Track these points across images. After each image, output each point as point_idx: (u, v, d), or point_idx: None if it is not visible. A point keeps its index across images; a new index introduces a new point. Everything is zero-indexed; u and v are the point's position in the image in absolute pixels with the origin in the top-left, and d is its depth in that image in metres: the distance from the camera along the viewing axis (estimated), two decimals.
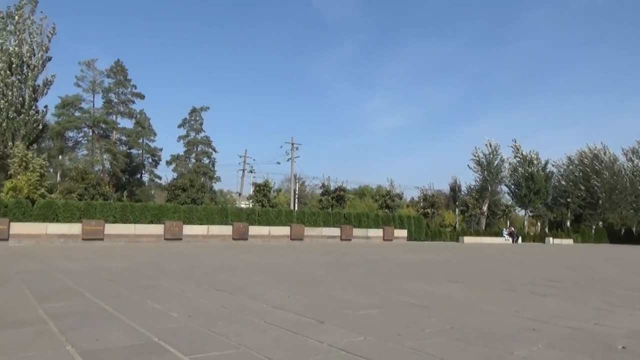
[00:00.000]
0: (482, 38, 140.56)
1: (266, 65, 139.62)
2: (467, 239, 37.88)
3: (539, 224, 60.43)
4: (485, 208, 53.15)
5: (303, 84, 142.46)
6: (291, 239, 27.67)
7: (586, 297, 7.40)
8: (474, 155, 54.00)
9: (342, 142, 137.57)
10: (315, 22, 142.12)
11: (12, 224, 20.03)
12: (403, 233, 33.59)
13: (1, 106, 33.48)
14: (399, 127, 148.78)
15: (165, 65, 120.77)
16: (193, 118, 52.25)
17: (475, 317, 5.39)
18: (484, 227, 51.15)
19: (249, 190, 75.04)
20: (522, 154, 55.64)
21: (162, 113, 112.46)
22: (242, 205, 66.81)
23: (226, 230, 25.88)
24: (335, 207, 36.13)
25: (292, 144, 62.14)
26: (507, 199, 60.37)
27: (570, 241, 46.96)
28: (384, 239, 31.77)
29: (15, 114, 34.05)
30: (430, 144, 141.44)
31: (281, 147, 61.45)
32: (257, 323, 4.82)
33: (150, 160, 53.76)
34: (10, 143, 33.32)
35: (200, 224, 26.03)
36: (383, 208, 39.64)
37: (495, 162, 54.83)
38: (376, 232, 31.82)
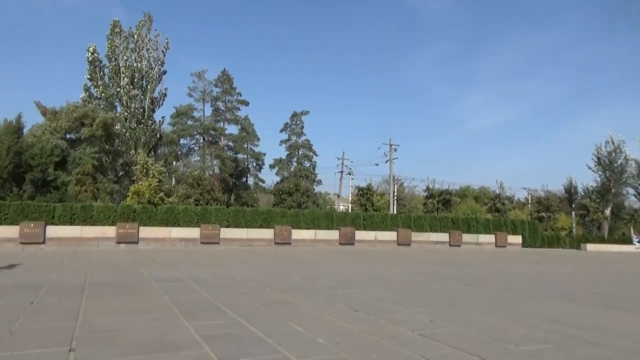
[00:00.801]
0: (590, 27, 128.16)
1: (361, 66, 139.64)
2: (590, 247, 34.41)
3: None
4: (607, 212, 48.09)
5: (398, 83, 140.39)
6: (398, 244, 27.01)
7: None
8: (595, 154, 49.08)
9: (440, 141, 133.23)
10: (409, 20, 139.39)
11: (140, 228, 21.68)
12: (517, 239, 31.35)
13: (127, 117, 36.96)
14: (499, 124, 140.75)
15: (265, 71, 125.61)
16: (294, 122, 53.51)
17: None
18: (606, 233, 46.37)
19: (348, 192, 75.50)
20: None
21: (265, 118, 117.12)
22: (341, 207, 67.31)
23: (333, 235, 25.91)
24: (441, 210, 34.74)
25: (390, 145, 61.12)
26: (632, 200, 54.07)
27: None
28: (496, 245, 29.89)
29: (136, 124, 37.34)
30: (535, 142, 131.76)
31: (379, 148, 61.02)
32: (414, 358, 4.40)
33: (254, 164, 55.87)
34: (132, 151, 36.60)
35: (307, 229, 26.35)
36: (492, 212, 37.39)
37: (619, 161, 49.40)
38: (487, 238, 30.03)
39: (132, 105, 37.30)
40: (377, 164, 66.62)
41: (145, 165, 28.81)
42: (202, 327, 5.45)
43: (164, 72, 39.86)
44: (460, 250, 27.25)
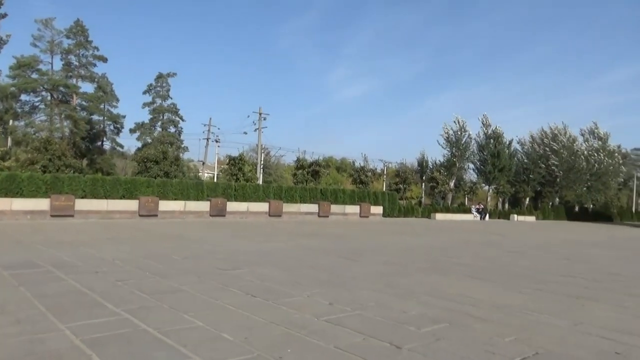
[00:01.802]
0: (447, 12, 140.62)
1: (232, 33, 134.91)
2: (439, 216, 38.37)
3: (500, 199, 62.04)
4: (452, 184, 53.97)
5: (268, 52, 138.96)
6: (269, 215, 27.04)
7: None
8: (444, 132, 54.44)
9: (305, 112, 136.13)
10: None
11: None
12: (378, 209, 33.57)
13: None
14: (360, 98, 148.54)
15: (129, 29, 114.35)
16: (159, 84, 49.82)
17: (550, 333, 5.03)
18: (450, 203, 52.14)
19: (214, 160, 73.44)
20: (492, 130, 56.41)
21: (126, 79, 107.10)
22: (206, 175, 65.26)
23: (203, 206, 24.93)
24: (310, 181, 35.57)
25: (260, 114, 60.62)
26: (471, 174, 61.51)
27: (532, 218, 48.56)
28: (360, 216, 31.65)
29: None
30: (391, 117, 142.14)
31: (248, 116, 59.47)
32: (329, 350, 4.26)
33: (112, 127, 51.13)
34: None
35: (175, 199, 24.96)
36: (357, 183, 39.40)
37: (464, 139, 55.58)
38: (353, 209, 31.62)
39: None
40: (245, 133, 65.68)
41: None
42: (82, 328, 4.65)
43: (3, 15, 33.85)
44: (329, 220, 28.28)
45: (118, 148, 51.87)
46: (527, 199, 61.25)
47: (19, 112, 41.68)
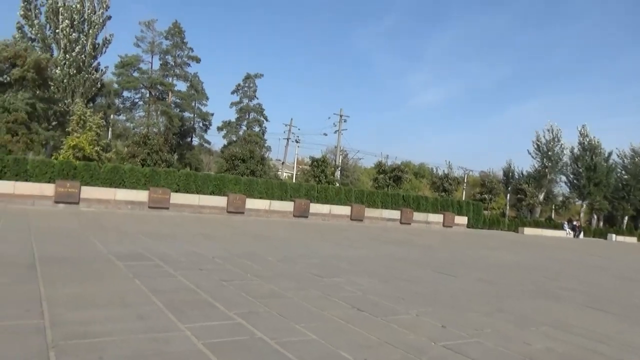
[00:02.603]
0: (536, 14, 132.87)
1: (314, 35, 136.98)
2: (527, 230, 36.16)
3: (595, 217, 57.42)
4: (541, 197, 50.80)
5: (349, 54, 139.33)
6: (351, 219, 26.85)
7: None
8: (535, 140, 51.42)
9: (382, 115, 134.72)
10: None
11: (82, 187, 19.91)
12: (462, 220, 32.24)
13: (65, 62, 33.65)
14: (439, 103, 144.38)
15: (219, 29, 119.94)
16: (247, 85, 51.51)
17: None
18: (537, 216, 49.11)
19: (293, 160, 74.46)
20: (588, 141, 52.38)
21: (214, 78, 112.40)
22: (284, 175, 66.51)
23: (287, 206, 25.25)
24: (391, 187, 34.97)
25: (341, 116, 60.71)
26: (562, 187, 57.48)
27: (634, 239, 44.41)
28: (443, 225, 30.57)
29: (75, 71, 34.16)
30: (472, 124, 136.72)
31: (329, 118, 60.61)
32: None
33: (201, 124, 53.62)
34: (69, 100, 33.58)
35: (260, 198, 25.51)
36: (439, 191, 38.21)
37: (556, 149, 52.11)
38: (436, 218, 30.62)
39: (72, 51, 34.00)
40: (325, 134, 66.30)
41: (82, 117, 26.42)
42: (201, 331, 4.68)
43: (109, 17, 36.53)
44: (412, 228, 27.58)
45: (205, 144, 54.26)
46: (626, 218, 56.31)
47: (120, 108, 44.84)
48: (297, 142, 59.88)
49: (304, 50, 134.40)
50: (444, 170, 39.69)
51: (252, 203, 24.22)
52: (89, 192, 20.09)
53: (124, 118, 45.34)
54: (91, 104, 35.02)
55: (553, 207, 54.64)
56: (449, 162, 40.71)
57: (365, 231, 21.92)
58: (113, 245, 9.81)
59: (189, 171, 25.64)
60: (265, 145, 51.71)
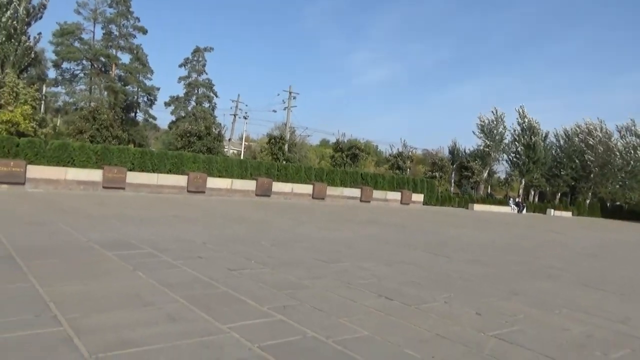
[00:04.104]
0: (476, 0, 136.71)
1: (262, 12, 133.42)
2: (477, 207, 37.54)
3: (532, 193, 60.69)
4: (485, 174, 52.90)
5: (298, 31, 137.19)
6: (313, 197, 26.59)
7: None
8: (480, 121, 53.28)
9: (326, 93, 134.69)
10: None
11: (28, 166, 18.24)
12: (419, 197, 32.88)
13: None
14: (381, 83, 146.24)
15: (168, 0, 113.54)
16: (196, 58, 49.25)
17: None
18: (481, 193, 51.11)
19: (237, 136, 72.46)
20: (527, 121, 54.94)
21: (162, 52, 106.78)
22: (231, 152, 64.87)
23: (249, 185, 24.55)
24: (348, 165, 34.99)
25: (290, 92, 59.79)
26: (504, 166, 60.14)
27: (569, 214, 47.39)
28: (401, 202, 31.01)
29: (5, 39, 31.05)
30: (413, 104, 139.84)
31: (278, 95, 58.93)
32: None
33: (145, 99, 50.96)
34: None
35: (220, 177, 24.61)
36: (394, 169, 38.72)
37: (499, 129, 54.32)
38: (394, 195, 30.99)
39: (1, 15, 30.76)
40: (275, 111, 64.33)
41: (15, 89, 24.17)
42: (246, 331, 4.23)
43: None
44: (372, 206, 27.75)
45: (151, 120, 51.73)
46: (559, 194, 59.88)
47: (59, 80, 41.61)
48: (245, 118, 57.96)
49: (254, 27, 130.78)
50: (398, 149, 40.16)
51: (213, 182, 23.31)
52: (36, 171, 18.44)
53: (63, 91, 42.05)
54: (25, 75, 32.15)
55: (498, 184, 57.14)
56: (404, 140, 41.27)
57: (331, 210, 21.75)
58: (88, 232, 8.93)
59: (144, 149, 24.28)
60: (216, 122, 49.98)
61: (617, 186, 61.63)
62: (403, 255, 9.87)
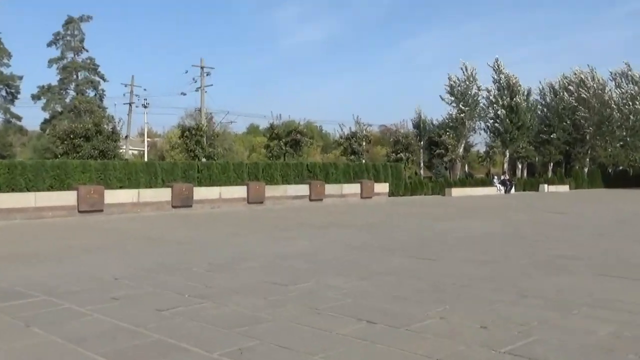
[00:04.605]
0: None
1: None
2: (455, 192, 38.72)
3: (520, 167, 62.73)
4: (461, 149, 53.93)
5: None
6: (249, 202, 26.47)
7: None
8: (449, 82, 54.37)
9: (253, 64, 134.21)
10: None
11: None
12: (383, 188, 33.43)
13: None
14: (319, 43, 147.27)
15: None
16: (69, 32, 47.49)
17: None
18: (458, 172, 52.46)
19: (136, 132, 70.63)
20: (505, 77, 56.78)
21: (21, 27, 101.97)
22: (130, 153, 63.13)
23: (163, 194, 24.08)
24: (289, 154, 35.10)
25: (202, 67, 58.80)
26: (481, 136, 61.47)
27: (566, 188, 49.86)
28: (361, 197, 31.45)
29: None
30: (360, 67, 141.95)
31: (186, 72, 56.96)
32: None
33: (3, 93, 48.79)
34: None
35: (121, 187, 24.01)
36: (348, 154, 39.20)
37: (473, 91, 55.70)
38: (352, 188, 31.36)
39: None
40: (184, 93, 62.93)
41: None
42: None
43: None
44: (327, 205, 28.01)
45: (15, 121, 49.64)
46: (551, 165, 62.09)
47: None
48: (145, 107, 55.80)
49: None
50: (350, 128, 40.58)
51: (113, 196, 22.67)
52: None
53: None
54: None
55: (477, 160, 58.73)
56: (358, 117, 41.62)
57: (275, 215, 21.80)
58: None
59: (12, 160, 23.21)
60: (107, 115, 48.55)
61: (618, 146, 64.64)
62: (378, 263, 10.09)
